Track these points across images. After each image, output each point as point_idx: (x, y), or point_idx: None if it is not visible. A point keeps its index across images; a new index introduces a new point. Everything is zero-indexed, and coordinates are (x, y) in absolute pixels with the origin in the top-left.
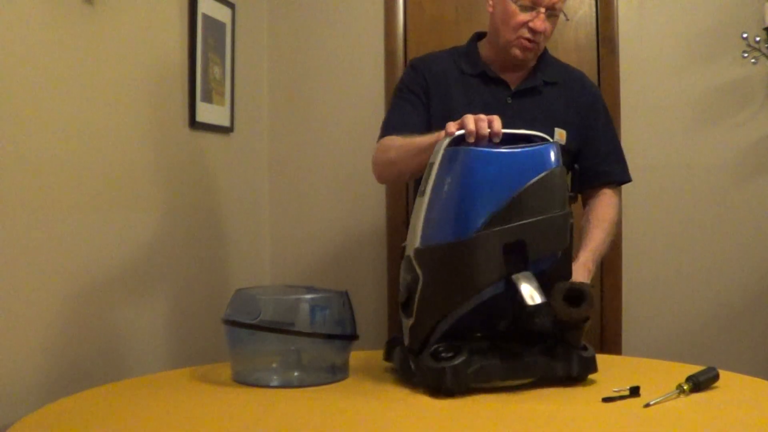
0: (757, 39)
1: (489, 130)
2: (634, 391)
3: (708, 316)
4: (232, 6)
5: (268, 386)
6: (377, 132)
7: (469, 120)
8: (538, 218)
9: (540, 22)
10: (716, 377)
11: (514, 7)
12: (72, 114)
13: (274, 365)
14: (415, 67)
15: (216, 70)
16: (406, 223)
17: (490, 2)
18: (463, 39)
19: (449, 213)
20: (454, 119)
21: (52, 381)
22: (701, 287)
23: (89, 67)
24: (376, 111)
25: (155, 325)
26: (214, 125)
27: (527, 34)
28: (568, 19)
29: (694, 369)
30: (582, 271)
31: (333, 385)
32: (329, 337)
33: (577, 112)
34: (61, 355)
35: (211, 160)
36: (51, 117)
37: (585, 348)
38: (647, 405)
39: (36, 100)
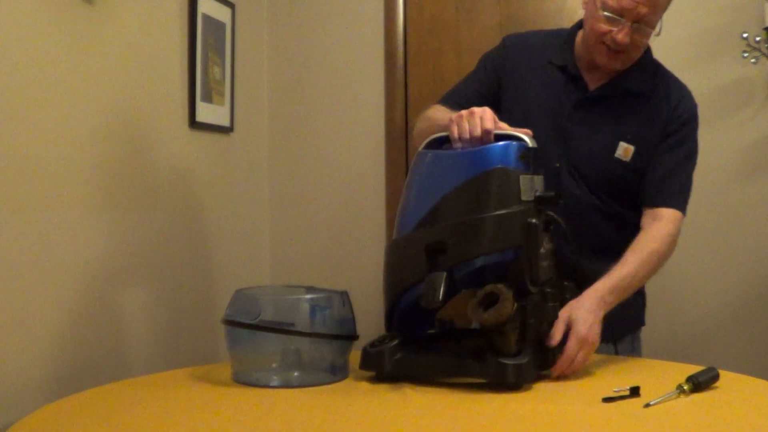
0: (757, 39)
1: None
2: (634, 391)
3: (708, 316)
4: (232, 6)
5: (268, 386)
6: (377, 132)
7: (453, 127)
8: (461, 220)
9: (623, 36)
10: (716, 377)
11: (600, 13)
12: (72, 113)
13: (274, 365)
14: (503, 43)
15: (216, 70)
16: None
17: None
18: (463, 39)
19: (399, 213)
20: (523, 106)
21: (53, 381)
22: (701, 287)
23: (89, 67)
24: (376, 111)
25: (155, 325)
26: (214, 125)
27: (611, 45)
28: (658, 34)
29: (694, 369)
30: (591, 299)
31: (333, 385)
32: (329, 337)
33: (653, 130)
34: (61, 355)
35: (211, 160)
36: (51, 116)
37: (519, 353)
38: (647, 405)
39: (36, 100)
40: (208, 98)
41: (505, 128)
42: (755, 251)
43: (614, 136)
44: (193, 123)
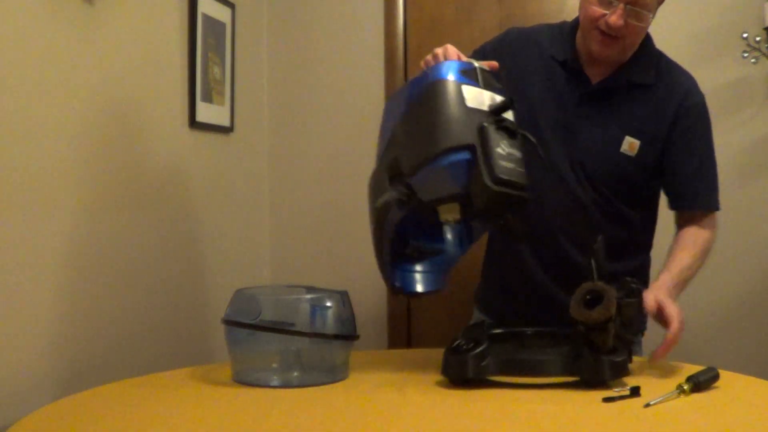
0: (757, 39)
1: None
2: (634, 391)
3: (708, 316)
4: (232, 6)
5: (268, 386)
6: (378, 132)
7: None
8: (409, 134)
9: (616, 18)
10: (716, 377)
11: None
12: (71, 113)
13: (274, 365)
14: (505, 37)
15: (216, 70)
16: None
17: None
18: (463, 39)
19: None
20: (527, 104)
21: (53, 381)
22: (701, 287)
23: (89, 67)
24: (376, 111)
25: (155, 325)
26: (214, 125)
27: (604, 29)
28: (647, 15)
29: (694, 369)
30: (662, 291)
31: (333, 385)
32: (329, 337)
33: (660, 122)
34: (61, 355)
35: (211, 160)
36: (50, 116)
37: (614, 351)
38: (647, 405)
39: (36, 100)
40: (208, 98)
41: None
42: (755, 251)
43: (619, 130)
44: (193, 123)
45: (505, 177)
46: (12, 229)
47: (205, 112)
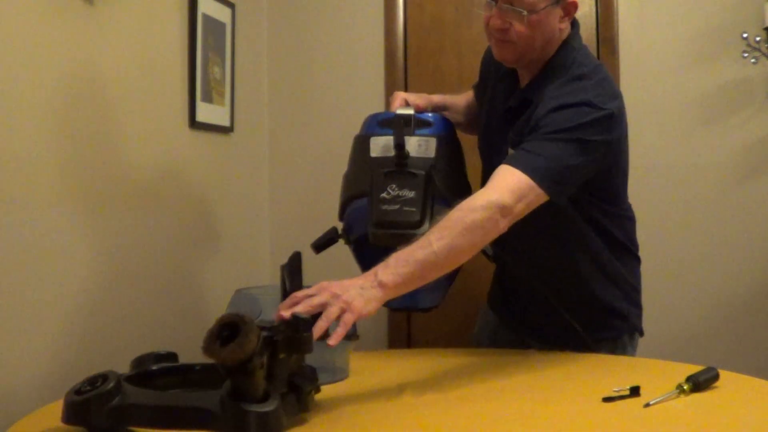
0: (757, 39)
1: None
2: (634, 391)
3: (708, 316)
4: (232, 6)
5: None
6: None
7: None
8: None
9: (494, 19)
10: (716, 377)
11: (485, 1)
12: (71, 114)
13: None
14: (483, 56)
15: (216, 70)
16: None
17: None
18: (463, 39)
19: None
20: (482, 117)
21: (53, 381)
22: (701, 287)
23: (89, 67)
24: (376, 111)
25: (155, 325)
26: (214, 125)
27: (492, 32)
28: (525, 14)
29: (694, 369)
30: (361, 280)
31: (333, 385)
32: (329, 336)
33: (528, 131)
34: (61, 354)
35: (211, 160)
36: (51, 116)
37: (265, 399)
38: (647, 405)
39: (36, 100)
40: (208, 98)
41: (418, 107)
42: (755, 251)
43: (508, 146)
44: (193, 123)
45: (383, 219)
46: (12, 229)
47: (205, 112)
